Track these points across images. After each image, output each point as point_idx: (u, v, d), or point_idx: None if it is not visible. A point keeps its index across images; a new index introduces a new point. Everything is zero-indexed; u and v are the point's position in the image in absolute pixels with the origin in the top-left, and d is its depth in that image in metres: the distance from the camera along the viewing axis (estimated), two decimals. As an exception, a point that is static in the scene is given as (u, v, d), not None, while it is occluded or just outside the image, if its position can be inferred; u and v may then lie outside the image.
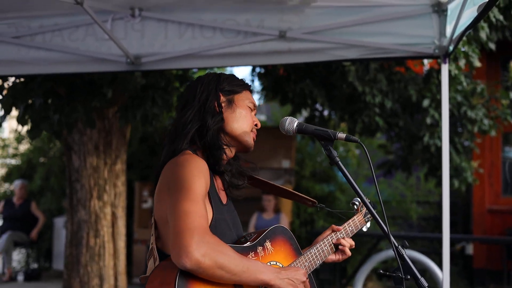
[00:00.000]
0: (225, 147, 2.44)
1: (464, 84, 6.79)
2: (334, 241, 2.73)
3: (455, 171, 8.71)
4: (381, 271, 2.51)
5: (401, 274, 2.40)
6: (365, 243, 9.99)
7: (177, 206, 2.11)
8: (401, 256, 2.43)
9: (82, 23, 4.59)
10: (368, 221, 3.00)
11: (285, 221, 9.44)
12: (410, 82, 7.92)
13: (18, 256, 11.98)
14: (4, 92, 5.46)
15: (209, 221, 2.28)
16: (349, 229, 2.85)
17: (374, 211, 2.50)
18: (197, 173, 2.23)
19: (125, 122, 5.42)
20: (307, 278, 2.42)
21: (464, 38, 5.42)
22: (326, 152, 2.51)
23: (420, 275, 2.41)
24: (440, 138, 8.04)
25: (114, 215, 6.79)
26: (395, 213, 12.07)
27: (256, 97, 10.53)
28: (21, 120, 5.50)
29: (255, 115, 2.62)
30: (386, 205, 11.95)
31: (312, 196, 11.40)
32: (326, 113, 9.18)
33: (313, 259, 2.59)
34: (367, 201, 2.50)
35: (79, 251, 6.66)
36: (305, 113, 9.23)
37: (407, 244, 2.49)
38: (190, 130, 2.41)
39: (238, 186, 2.58)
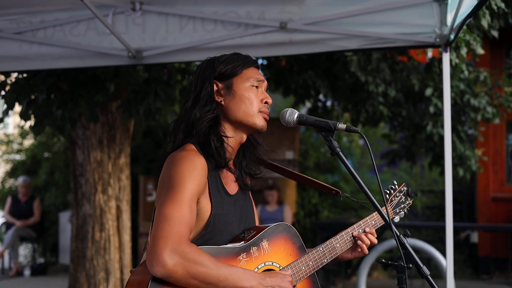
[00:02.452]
0: (224, 137, 2.37)
1: (466, 72, 6.76)
2: (355, 233, 2.62)
3: (459, 160, 8.71)
4: (383, 260, 2.51)
5: (403, 263, 2.40)
6: (370, 233, 10.00)
7: (161, 209, 2.11)
8: (402, 245, 2.44)
9: (83, 17, 4.59)
10: (399, 212, 2.84)
11: (288, 212, 9.47)
12: (412, 72, 7.91)
13: (24, 251, 12.05)
14: (7, 88, 5.47)
15: (207, 218, 2.27)
16: (372, 223, 2.72)
17: (374, 200, 2.47)
18: (190, 173, 2.19)
19: (128, 117, 5.43)
20: (294, 286, 2.37)
21: (465, 26, 5.41)
22: (327, 143, 2.51)
23: (422, 264, 2.41)
24: (442, 127, 8.04)
25: (118, 209, 6.82)
26: (400, 202, 12.06)
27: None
28: (24, 116, 5.52)
29: (265, 90, 2.50)
30: (390, 194, 11.95)
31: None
32: (329, 103, 9.18)
33: (320, 257, 2.52)
34: (367, 190, 2.48)
35: (84, 245, 6.69)
36: (308, 104, 9.22)
37: (409, 233, 2.49)
38: (186, 123, 2.37)
39: (254, 176, 2.51)
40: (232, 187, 2.45)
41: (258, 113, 2.44)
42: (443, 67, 4.38)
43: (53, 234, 11.96)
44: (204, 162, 2.27)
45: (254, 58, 2.54)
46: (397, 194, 2.86)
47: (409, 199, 2.92)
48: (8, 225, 11.47)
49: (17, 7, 4.58)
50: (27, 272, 10.88)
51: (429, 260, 7.72)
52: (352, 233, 2.63)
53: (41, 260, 11.93)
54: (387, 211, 2.46)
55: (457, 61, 5.86)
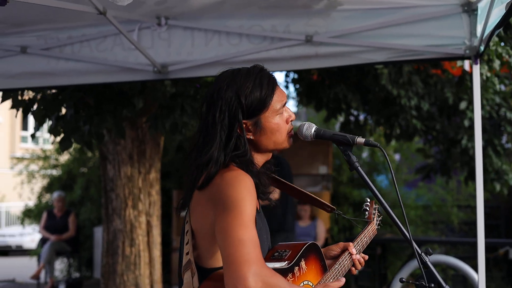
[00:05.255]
0: (260, 172, 2.33)
1: (498, 87, 6.63)
2: (354, 257, 2.67)
3: (496, 174, 8.54)
4: (403, 280, 2.44)
5: (425, 283, 2.33)
6: (405, 249, 9.84)
7: (231, 232, 2.04)
8: (424, 264, 2.36)
9: (109, 33, 4.62)
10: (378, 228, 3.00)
11: (322, 227, 9.36)
12: (446, 85, 7.79)
13: (60, 266, 12.15)
14: (36, 105, 5.52)
15: None
16: (365, 240, 2.81)
17: (396, 219, 2.41)
18: (248, 194, 2.14)
19: (154, 131, 5.43)
20: None
21: (496, 38, 5.29)
22: (345, 157, 2.45)
23: (445, 284, 2.33)
24: (478, 140, 7.88)
25: (149, 224, 6.82)
26: (436, 218, 11.88)
27: (291, 104, 10.44)
28: (53, 131, 5.56)
29: (287, 106, 2.41)
30: (426, 209, 11.78)
31: (350, 202, 11.30)
32: (362, 118, 9.08)
33: (336, 274, 2.53)
34: (387, 206, 2.42)
35: (115, 260, 6.70)
36: (340, 118, 9.14)
37: (431, 251, 2.41)
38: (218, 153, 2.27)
39: (267, 194, 2.41)
40: (257, 204, 2.40)
41: (285, 138, 2.39)
42: (473, 79, 4.28)
43: (88, 248, 12.06)
44: (253, 182, 2.23)
45: (274, 76, 2.43)
46: (374, 211, 2.98)
47: (379, 214, 3.02)
48: (44, 240, 11.60)
49: (45, 23, 4.62)
50: (62, 287, 10.97)
51: (465, 278, 7.54)
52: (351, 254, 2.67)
53: (76, 274, 12.02)
54: (408, 230, 2.38)
55: (488, 74, 5.73)
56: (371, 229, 2.90)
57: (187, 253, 2.25)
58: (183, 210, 2.38)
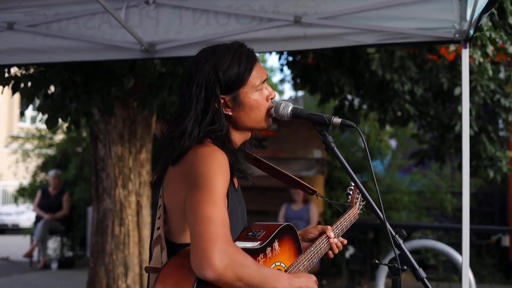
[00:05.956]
0: (237, 151, 2.31)
1: (490, 72, 6.58)
2: (331, 241, 2.63)
3: (490, 161, 8.52)
4: (376, 261, 2.42)
5: (398, 265, 2.31)
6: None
7: (200, 209, 2.03)
8: (398, 246, 2.34)
9: (97, 11, 4.57)
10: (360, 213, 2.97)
11: (315, 211, 9.37)
12: (442, 70, 7.74)
13: (53, 245, 12.18)
14: (23, 82, 5.48)
15: None
16: (345, 225, 2.79)
17: (371, 200, 2.39)
18: (220, 171, 2.12)
19: (142, 111, 5.40)
20: (317, 284, 2.34)
21: (489, 23, 5.24)
22: (322, 137, 2.42)
23: (418, 266, 2.32)
24: (472, 127, 7.85)
25: (139, 204, 6.81)
26: (430, 204, 11.88)
27: (287, 88, 10.33)
28: (42, 109, 5.53)
29: (267, 82, 2.38)
30: (420, 195, 11.77)
31: (344, 187, 11.33)
32: (357, 102, 9.04)
33: (312, 257, 2.50)
34: (363, 188, 2.39)
35: (104, 239, 6.70)
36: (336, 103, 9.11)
37: (405, 233, 2.40)
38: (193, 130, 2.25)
39: (243, 172, 2.36)
40: (235, 182, 2.38)
41: (265, 116, 2.37)
42: (462, 63, 4.24)
43: (81, 228, 12.08)
44: (227, 159, 2.20)
45: (254, 52, 2.41)
46: (357, 196, 2.96)
47: (363, 200, 2.98)
48: (38, 218, 11.62)
49: (32, 0, 4.58)
50: (54, 265, 11.01)
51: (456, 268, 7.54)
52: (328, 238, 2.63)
53: (69, 253, 12.05)
54: (382, 213, 2.35)
55: (481, 59, 5.69)
56: (352, 214, 2.88)
57: (158, 228, 2.23)
58: (159, 185, 2.35)
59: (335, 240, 2.64)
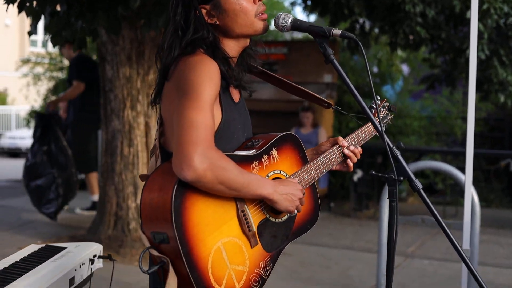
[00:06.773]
0: (229, 59, 2.29)
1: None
2: (346, 151, 2.58)
3: (500, 85, 8.45)
4: (373, 172, 2.44)
5: (394, 175, 2.33)
6: (407, 158, 9.86)
7: (184, 113, 2.06)
8: (395, 158, 2.35)
9: None
10: (383, 126, 2.81)
11: (323, 135, 9.38)
12: (455, -8, 7.59)
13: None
14: (28, 1, 5.40)
15: (218, 124, 2.23)
16: (363, 136, 2.68)
17: (370, 113, 2.36)
18: (207, 78, 2.14)
19: (148, 29, 5.34)
20: (303, 194, 2.33)
21: None
22: (321, 49, 2.39)
23: (415, 177, 2.33)
24: (483, 50, 7.75)
25: (147, 125, 6.83)
26: (440, 129, 11.86)
27: (298, 10, 10.20)
28: (48, 29, 5.49)
29: None
30: (431, 120, 11.74)
31: (354, 111, 11.35)
32: (368, 25, 8.91)
33: (320, 167, 2.49)
34: (361, 100, 2.36)
35: (113, 159, 6.77)
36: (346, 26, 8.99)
37: (402, 145, 2.40)
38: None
39: (240, 81, 2.36)
40: (235, 95, 2.39)
41: (255, 19, 2.32)
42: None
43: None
44: (218, 67, 2.21)
45: None
46: (381, 109, 2.82)
47: (389, 114, 2.87)
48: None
49: None
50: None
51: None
52: (342, 149, 2.57)
53: (82, 176, 12.19)
54: (380, 123, 2.35)
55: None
56: (372, 127, 2.72)
57: (155, 139, 2.29)
58: (158, 101, 2.37)
59: (351, 148, 2.59)
